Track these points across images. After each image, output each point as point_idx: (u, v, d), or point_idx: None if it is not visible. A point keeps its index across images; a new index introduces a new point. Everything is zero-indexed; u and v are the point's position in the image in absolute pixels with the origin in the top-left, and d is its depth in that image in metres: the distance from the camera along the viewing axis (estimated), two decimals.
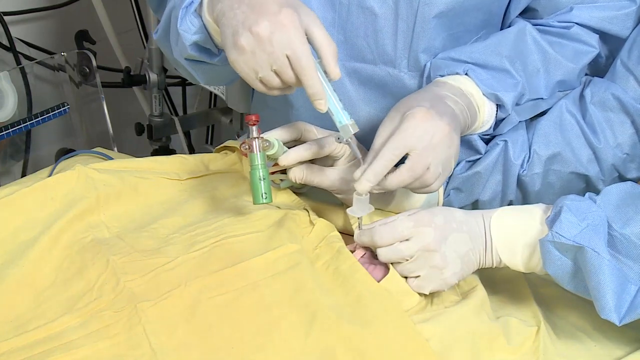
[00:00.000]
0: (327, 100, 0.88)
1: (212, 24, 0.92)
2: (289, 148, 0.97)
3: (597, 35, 1.10)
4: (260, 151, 0.91)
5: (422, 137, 0.90)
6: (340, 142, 0.93)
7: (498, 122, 1.07)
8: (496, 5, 1.08)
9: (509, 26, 1.11)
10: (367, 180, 0.89)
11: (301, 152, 0.96)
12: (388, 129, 0.93)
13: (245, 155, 0.93)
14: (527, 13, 1.12)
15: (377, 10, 1.05)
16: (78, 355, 0.78)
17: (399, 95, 1.02)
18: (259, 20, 0.83)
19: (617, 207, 0.86)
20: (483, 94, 1.03)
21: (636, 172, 1.08)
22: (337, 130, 0.92)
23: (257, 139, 0.92)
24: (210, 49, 0.97)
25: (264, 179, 0.91)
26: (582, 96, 1.08)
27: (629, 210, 0.85)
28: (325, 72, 0.88)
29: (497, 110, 1.06)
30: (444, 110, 0.94)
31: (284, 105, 1.18)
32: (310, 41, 0.86)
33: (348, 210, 0.93)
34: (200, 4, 0.93)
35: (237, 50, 0.85)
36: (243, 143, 0.92)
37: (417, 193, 0.97)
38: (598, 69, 1.13)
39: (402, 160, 0.92)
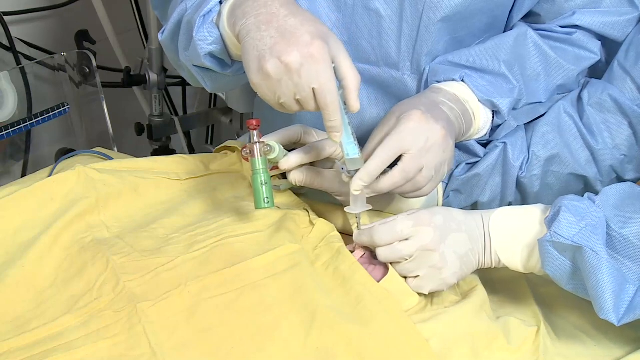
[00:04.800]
0: (342, 133, 0.87)
1: (231, 37, 0.90)
2: (288, 151, 0.97)
3: (600, 43, 1.10)
4: (261, 156, 0.92)
5: (418, 139, 0.90)
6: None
7: (494, 128, 1.07)
8: (500, 9, 1.08)
9: (510, 30, 1.10)
10: (360, 179, 0.90)
11: (301, 156, 0.96)
12: (382, 132, 0.93)
13: (247, 159, 0.94)
14: (530, 18, 1.12)
15: (383, 12, 1.04)
16: (78, 355, 0.78)
17: (401, 98, 1.02)
18: (289, 49, 0.81)
19: (616, 207, 0.86)
20: (479, 101, 1.03)
21: (634, 173, 1.08)
22: None
23: (258, 144, 0.92)
24: (224, 60, 0.96)
25: (265, 183, 0.91)
26: (579, 98, 1.08)
27: (628, 211, 0.85)
28: (344, 103, 0.86)
29: (493, 117, 1.06)
30: (440, 115, 0.94)
31: None
32: (335, 70, 0.84)
33: (346, 208, 0.94)
34: (219, 14, 0.91)
35: (261, 74, 0.83)
36: (244, 147, 0.92)
37: (408, 197, 0.97)
38: (596, 71, 1.13)
39: (395, 164, 0.91)
